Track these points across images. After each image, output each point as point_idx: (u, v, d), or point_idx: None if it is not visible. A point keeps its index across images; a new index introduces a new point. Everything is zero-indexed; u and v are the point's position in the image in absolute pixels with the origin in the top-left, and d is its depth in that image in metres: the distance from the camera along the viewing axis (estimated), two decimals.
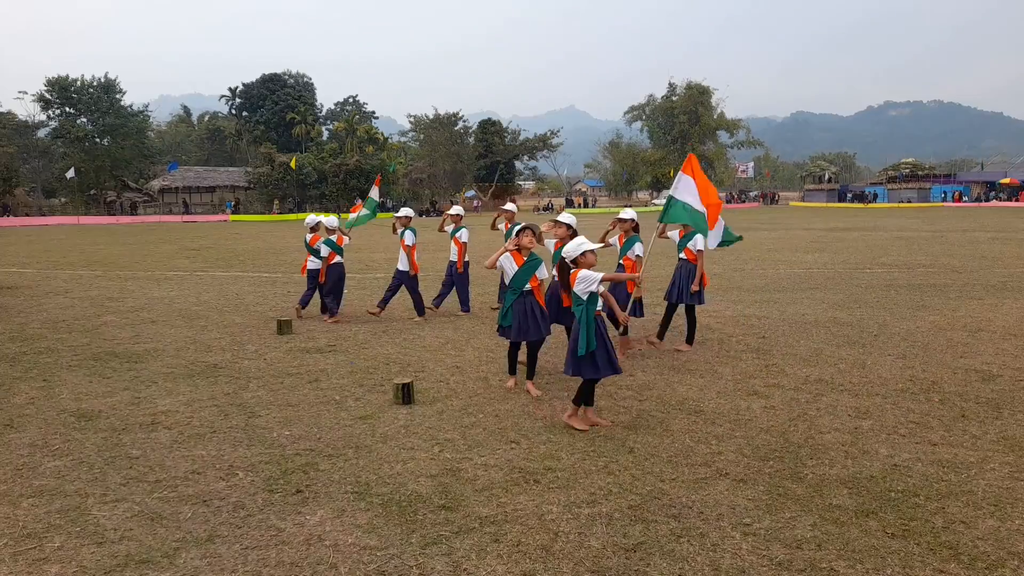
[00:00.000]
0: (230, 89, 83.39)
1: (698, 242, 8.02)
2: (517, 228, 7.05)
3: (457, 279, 10.80)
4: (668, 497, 4.27)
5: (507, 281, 6.70)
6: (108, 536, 3.88)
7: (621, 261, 7.94)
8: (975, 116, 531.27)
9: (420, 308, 10.41)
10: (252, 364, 7.74)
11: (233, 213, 57.47)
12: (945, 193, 69.29)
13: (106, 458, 5.01)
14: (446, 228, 11.09)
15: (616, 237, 8.03)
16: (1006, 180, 66.57)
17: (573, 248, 5.55)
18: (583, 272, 5.40)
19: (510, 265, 6.60)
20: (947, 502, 4.15)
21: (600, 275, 5.37)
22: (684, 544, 3.72)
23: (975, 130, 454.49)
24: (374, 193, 12.22)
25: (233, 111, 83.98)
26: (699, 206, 6.97)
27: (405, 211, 10.79)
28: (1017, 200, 62.06)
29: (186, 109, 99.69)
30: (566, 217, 7.19)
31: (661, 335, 8.31)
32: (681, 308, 8.28)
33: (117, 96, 63.54)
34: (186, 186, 64.01)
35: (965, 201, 65.08)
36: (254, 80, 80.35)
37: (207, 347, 8.63)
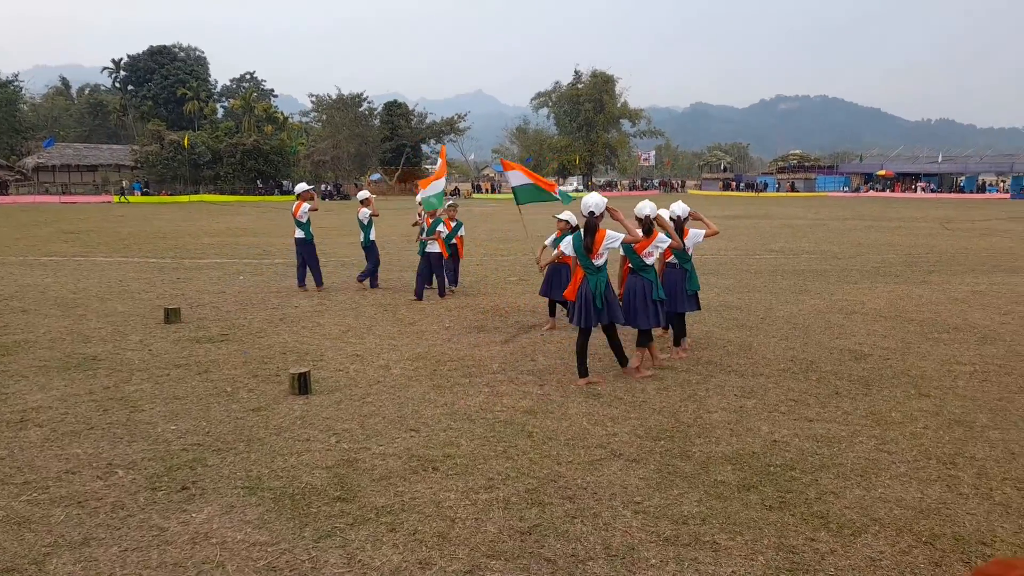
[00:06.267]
0: (113, 61, 78.23)
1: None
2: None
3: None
4: (564, 479, 4.36)
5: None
6: None
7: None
8: (856, 111, 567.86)
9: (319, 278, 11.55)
10: (136, 355, 7.31)
11: (144, 195, 53.95)
12: (766, 184, 74.33)
13: None
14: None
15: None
16: (882, 172, 71.59)
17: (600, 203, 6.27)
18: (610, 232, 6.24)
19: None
20: (820, 474, 4.45)
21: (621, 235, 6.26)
22: (578, 524, 3.81)
23: (856, 124, 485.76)
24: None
25: (117, 84, 78.80)
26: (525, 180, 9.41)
27: (302, 186, 11.99)
28: (892, 191, 66.92)
29: (64, 81, 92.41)
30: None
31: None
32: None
33: None
34: (64, 164, 59.53)
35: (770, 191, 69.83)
36: (141, 52, 75.63)
37: (85, 338, 8.09)
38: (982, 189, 64.48)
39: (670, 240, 6.62)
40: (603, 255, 6.18)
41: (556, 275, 8.37)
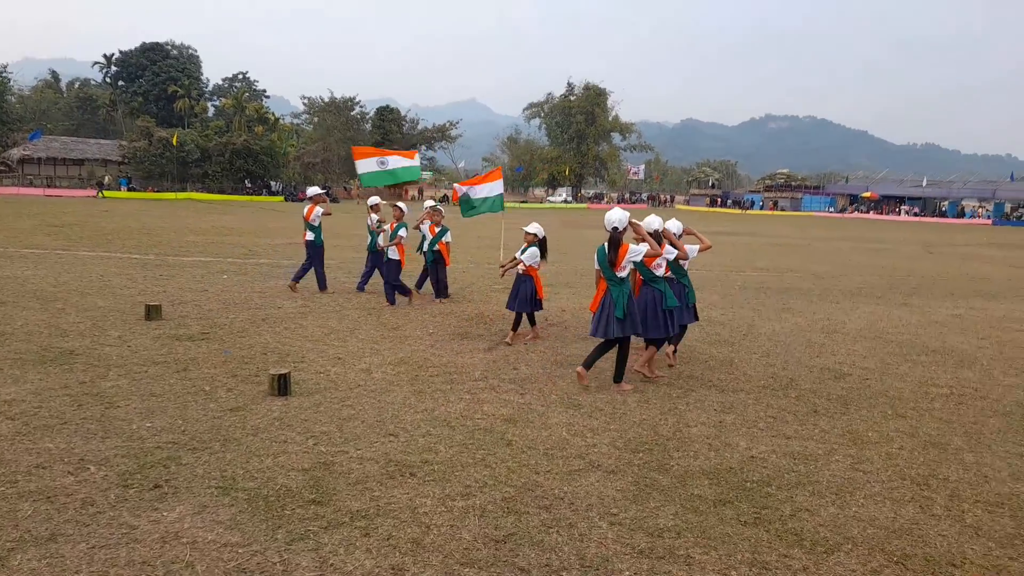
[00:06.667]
0: (105, 56, 77.83)
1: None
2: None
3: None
4: (541, 489, 4.35)
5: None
6: None
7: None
8: (844, 133, 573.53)
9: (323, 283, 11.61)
10: (114, 351, 7.23)
11: (130, 191, 53.48)
12: (752, 201, 75.50)
13: None
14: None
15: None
16: (867, 194, 72.44)
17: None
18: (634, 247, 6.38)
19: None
20: (795, 491, 4.46)
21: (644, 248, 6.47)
22: (553, 534, 3.80)
23: (844, 146, 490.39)
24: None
25: (108, 79, 78.31)
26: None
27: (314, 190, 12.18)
28: (878, 212, 67.67)
29: (54, 74, 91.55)
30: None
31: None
32: None
33: None
34: (50, 157, 58.93)
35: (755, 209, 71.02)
36: (133, 48, 75.30)
37: (63, 332, 7.99)
38: (962, 214, 65.49)
39: (676, 252, 6.95)
40: (626, 268, 6.35)
41: (523, 286, 8.33)
